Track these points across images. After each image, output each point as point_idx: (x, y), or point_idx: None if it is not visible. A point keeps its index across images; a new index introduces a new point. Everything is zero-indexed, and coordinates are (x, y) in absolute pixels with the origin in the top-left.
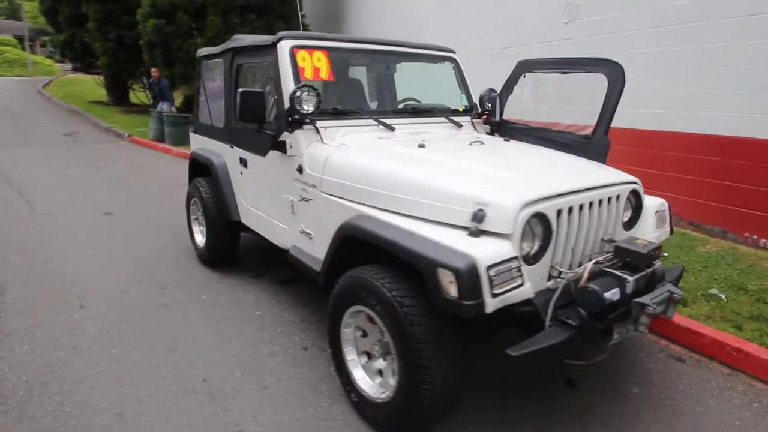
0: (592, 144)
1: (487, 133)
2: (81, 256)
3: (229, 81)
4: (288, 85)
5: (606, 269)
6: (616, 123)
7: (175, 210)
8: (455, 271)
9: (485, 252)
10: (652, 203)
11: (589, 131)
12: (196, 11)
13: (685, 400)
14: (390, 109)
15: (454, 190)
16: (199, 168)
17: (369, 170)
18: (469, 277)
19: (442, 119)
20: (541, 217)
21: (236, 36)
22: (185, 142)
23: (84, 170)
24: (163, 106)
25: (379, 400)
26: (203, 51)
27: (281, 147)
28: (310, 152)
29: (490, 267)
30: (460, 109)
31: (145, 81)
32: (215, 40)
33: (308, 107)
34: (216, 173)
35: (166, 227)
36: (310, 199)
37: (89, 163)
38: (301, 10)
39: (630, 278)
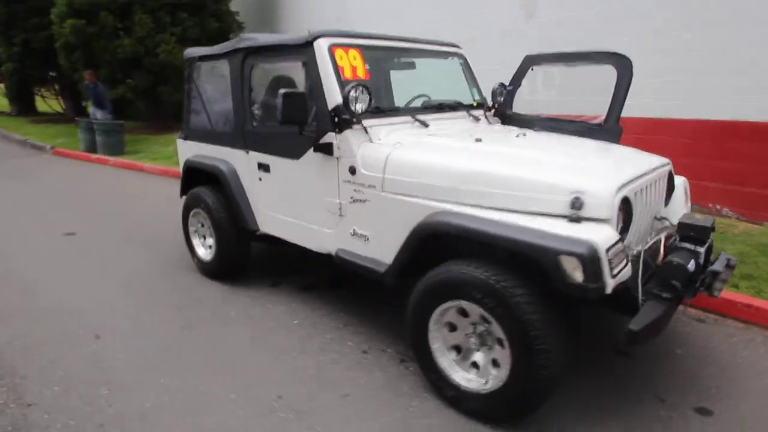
0: (606, 131)
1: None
2: (63, 284)
3: (240, 83)
4: (332, 85)
5: (678, 244)
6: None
7: (143, 224)
8: (580, 257)
9: (600, 237)
10: (679, 181)
11: (599, 120)
12: (121, 10)
13: (722, 355)
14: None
15: (548, 181)
16: (198, 176)
17: (446, 167)
18: (592, 262)
19: (464, 113)
20: (625, 201)
21: (245, 35)
22: (123, 152)
23: (15, 188)
24: (98, 114)
25: (483, 391)
26: (195, 51)
27: (326, 149)
28: (364, 152)
29: (607, 250)
30: (474, 104)
31: (74, 87)
32: (145, 40)
33: (361, 107)
34: (227, 181)
35: (142, 243)
36: (366, 200)
37: (18, 180)
38: None
39: (701, 250)
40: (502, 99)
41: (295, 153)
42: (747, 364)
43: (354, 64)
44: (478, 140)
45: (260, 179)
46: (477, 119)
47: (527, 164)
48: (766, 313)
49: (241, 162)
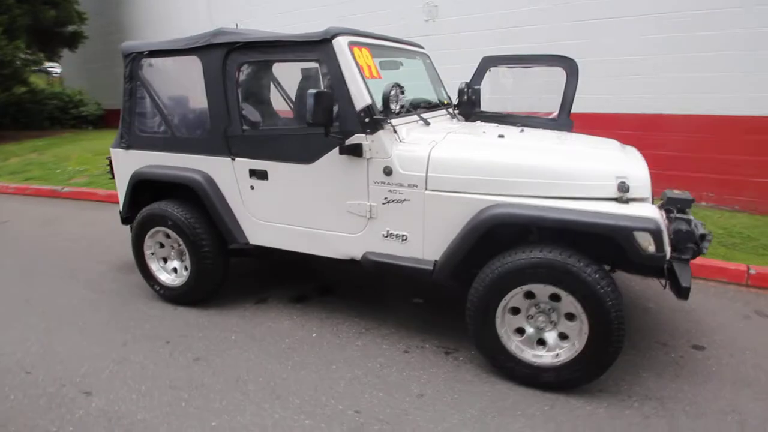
0: (559, 124)
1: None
2: (6, 333)
3: (222, 82)
4: (359, 85)
5: (673, 215)
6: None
7: (52, 250)
8: (652, 232)
9: (656, 213)
10: None
11: (552, 116)
12: None
13: (698, 305)
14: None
15: (596, 169)
16: (150, 191)
17: (494, 162)
18: (660, 235)
19: (443, 111)
20: None
21: (223, 28)
22: None
23: None
24: None
25: (559, 363)
26: (138, 45)
27: (354, 150)
28: (400, 152)
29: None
30: (446, 102)
31: None
32: None
33: (396, 106)
34: (205, 192)
35: (66, 273)
36: (406, 200)
37: None
38: None
39: (692, 218)
40: (466, 98)
41: (306, 157)
42: (720, 309)
43: (369, 63)
44: (501, 136)
45: (252, 188)
46: (453, 117)
47: (568, 156)
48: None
49: (222, 170)
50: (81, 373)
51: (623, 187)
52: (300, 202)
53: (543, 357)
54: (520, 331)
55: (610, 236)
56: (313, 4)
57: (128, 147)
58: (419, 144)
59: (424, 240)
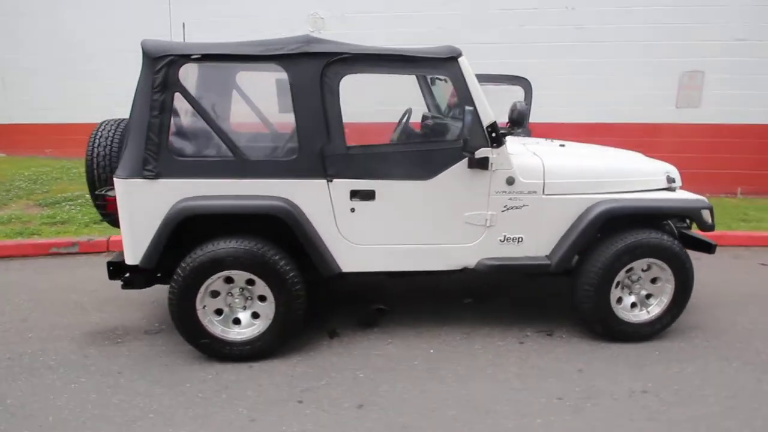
0: (524, 134)
1: None
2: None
3: (320, 96)
4: (483, 101)
5: None
6: None
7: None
8: (710, 209)
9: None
10: None
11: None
12: None
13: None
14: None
15: (653, 168)
16: (193, 230)
17: (591, 168)
18: (712, 210)
19: None
20: None
21: (314, 37)
22: None
23: None
24: None
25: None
26: (179, 47)
27: (481, 163)
28: (519, 163)
29: None
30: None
31: None
32: None
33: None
34: (296, 221)
35: (52, 334)
36: (524, 206)
37: None
38: None
39: None
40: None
41: (423, 173)
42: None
43: None
44: (562, 145)
45: (353, 210)
46: None
47: (630, 160)
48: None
49: (312, 194)
50: None
51: (670, 179)
52: (411, 220)
53: (639, 315)
54: (620, 299)
55: (689, 215)
56: (191, 8)
57: (157, 175)
58: (525, 155)
59: (538, 239)
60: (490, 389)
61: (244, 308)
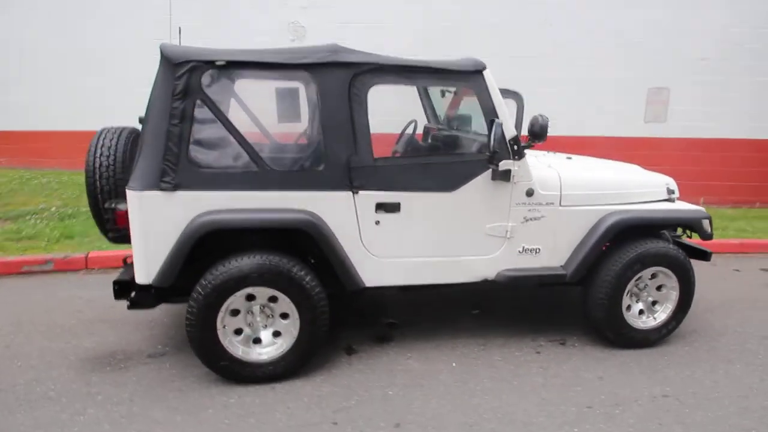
0: None
1: None
2: None
3: (348, 107)
4: (505, 114)
5: None
6: None
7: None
8: (709, 219)
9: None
10: None
11: None
12: None
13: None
14: None
15: (656, 180)
16: (211, 245)
17: (607, 180)
18: (711, 220)
19: None
20: None
21: (341, 46)
22: None
23: None
24: None
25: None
26: (201, 52)
27: (504, 175)
28: (537, 175)
29: None
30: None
31: None
32: None
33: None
34: (323, 234)
35: (44, 362)
36: (542, 217)
37: None
38: None
39: None
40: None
41: (448, 185)
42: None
43: None
44: (569, 158)
45: (377, 222)
46: None
47: (635, 173)
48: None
49: (337, 206)
50: None
51: (669, 191)
52: (434, 232)
53: (643, 323)
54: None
55: (691, 225)
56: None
57: (175, 187)
58: (541, 168)
59: (554, 250)
60: (521, 401)
61: (265, 327)
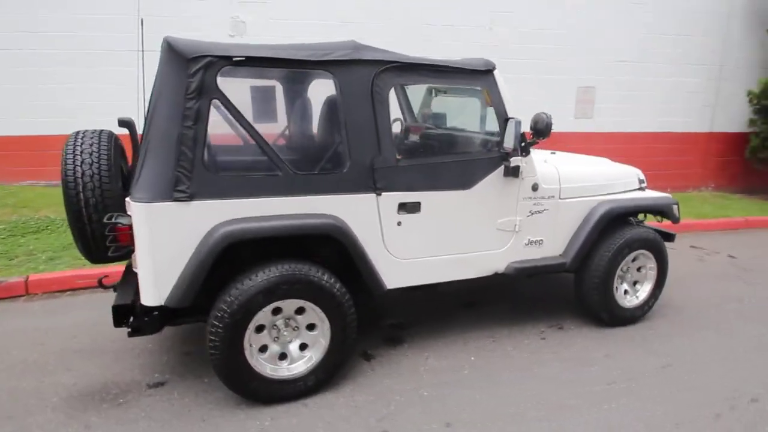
0: None
1: None
2: None
3: (371, 106)
4: (513, 109)
5: None
6: None
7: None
8: (677, 204)
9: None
10: None
11: None
12: None
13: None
14: None
15: (630, 171)
16: (231, 258)
17: (592, 173)
18: (679, 206)
19: None
20: None
21: (361, 44)
22: None
23: None
24: None
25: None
26: (217, 47)
27: (514, 172)
28: (541, 170)
29: None
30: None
31: None
32: None
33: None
34: (350, 239)
35: (20, 404)
36: (545, 210)
37: None
38: None
39: None
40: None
41: (465, 182)
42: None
43: None
44: (553, 153)
45: (399, 223)
46: None
47: (613, 165)
48: None
49: (360, 209)
50: None
51: (640, 180)
52: (452, 230)
53: (628, 302)
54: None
55: (663, 210)
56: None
57: (192, 196)
58: (540, 164)
59: (555, 240)
60: (550, 386)
61: (290, 341)
